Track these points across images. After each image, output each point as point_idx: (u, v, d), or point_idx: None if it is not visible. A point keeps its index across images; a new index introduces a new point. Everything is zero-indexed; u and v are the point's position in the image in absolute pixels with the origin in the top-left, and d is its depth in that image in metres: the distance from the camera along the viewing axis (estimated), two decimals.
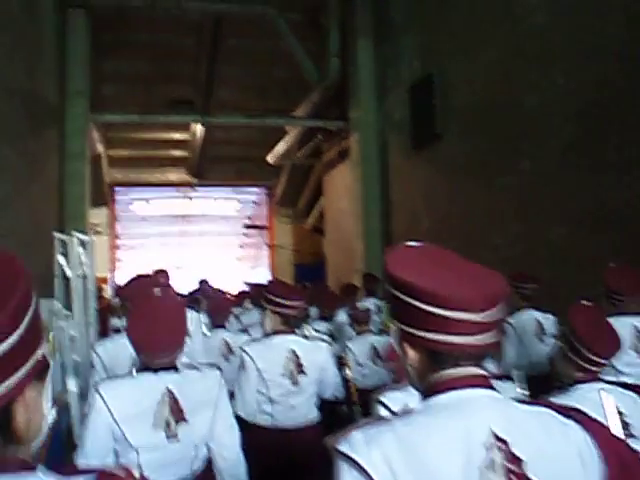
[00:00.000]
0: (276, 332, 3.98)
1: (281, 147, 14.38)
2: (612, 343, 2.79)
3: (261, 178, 18.15)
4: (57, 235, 9.02)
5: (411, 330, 1.44)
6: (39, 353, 1.16)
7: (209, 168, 17.05)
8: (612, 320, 3.06)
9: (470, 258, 1.50)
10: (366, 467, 1.30)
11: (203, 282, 8.97)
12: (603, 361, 2.73)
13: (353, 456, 1.32)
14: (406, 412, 1.46)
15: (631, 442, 1.64)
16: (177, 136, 16.00)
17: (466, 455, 1.33)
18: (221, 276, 16.79)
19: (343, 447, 1.35)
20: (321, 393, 4.16)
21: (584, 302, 2.97)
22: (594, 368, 2.74)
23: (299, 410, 3.96)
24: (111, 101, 13.38)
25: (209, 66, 13.32)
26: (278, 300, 3.93)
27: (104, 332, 8.46)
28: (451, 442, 1.34)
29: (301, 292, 4.54)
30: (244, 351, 3.95)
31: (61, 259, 8.95)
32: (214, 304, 6.11)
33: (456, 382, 1.42)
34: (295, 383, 3.93)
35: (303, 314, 4.65)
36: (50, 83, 9.37)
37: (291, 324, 4.03)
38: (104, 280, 12.06)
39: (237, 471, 2.92)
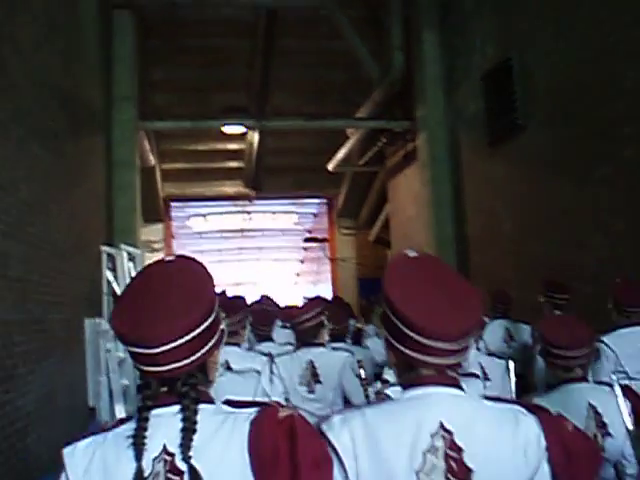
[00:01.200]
0: (300, 345, 4.51)
1: (342, 153, 13.54)
2: (575, 335, 2.99)
3: (320, 188, 17.33)
4: (105, 249, 8.33)
5: (393, 342, 1.68)
6: (221, 328, 1.65)
7: (266, 179, 16.30)
8: (626, 331, 4.19)
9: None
10: (335, 445, 1.58)
11: (264, 298, 8.19)
12: (570, 354, 2.93)
13: (328, 435, 1.60)
14: (380, 401, 1.93)
15: (608, 440, 2.75)
16: (232, 146, 15.31)
17: (414, 441, 1.57)
18: (281, 292, 16.05)
19: (323, 427, 1.63)
20: (348, 399, 4.42)
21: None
22: (568, 363, 2.97)
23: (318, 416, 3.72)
24: (162, 111, 12.76)
25: (263, 70, 12.59)
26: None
27: None
28: (403, 428, 1.59)
29: (310, 305, 4.64)
30: (273, 362, 4.29)
31: (109, 275, 8.26)
32: (255, 317, 5.74)
33: (425, 380, 1.66)
34: (311, 391, 4.37)
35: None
36: (93, 85, 8.72)
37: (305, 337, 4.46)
38: None
39: None
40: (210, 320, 1.57)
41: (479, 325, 2.02)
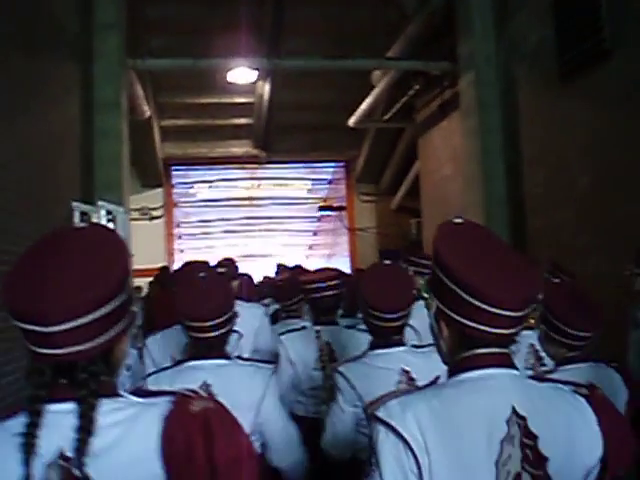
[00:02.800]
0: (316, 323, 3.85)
1: (366, 104, 11.77)
2: (591, 316, 2.69)
3: (338, 150, 15.62)
4: (77, 205, 6.66)
5: (449, 312, 1.53)
6: (132, 310, 1.44)
7: (278, 139, 14.56)
8: None
9: None
10: (402, 432, 1.43)
11: (280, 268, 6.71)
12: (585, 334, 2.67)
13: (390, 422, 1.44)
14: (433, 385, 1.61)
15: None
16: (240, 100, 13.54)
17: (490, 428, 1.44)
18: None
19: (381, 413, 1.47)
20: None
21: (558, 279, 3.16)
22: (578, 343, 2.69)
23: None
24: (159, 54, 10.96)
25: (275, 9, 10.72)
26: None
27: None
28: (477, 416, 1.45)
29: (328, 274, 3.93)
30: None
31: None
32: (278, 292, 4.99)
33: (482, 360, 1.52)
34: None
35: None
36: (66, 5, 6.97)
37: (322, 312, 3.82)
38: (152, 272, 9.64)
39: None
40: (120, 299, 1.37)
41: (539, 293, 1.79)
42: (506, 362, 1.52)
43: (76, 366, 1.32)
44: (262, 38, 11.29)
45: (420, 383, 2.52)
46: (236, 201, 18.05)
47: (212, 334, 2.59)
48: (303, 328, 3.98)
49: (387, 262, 3.14)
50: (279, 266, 7.12)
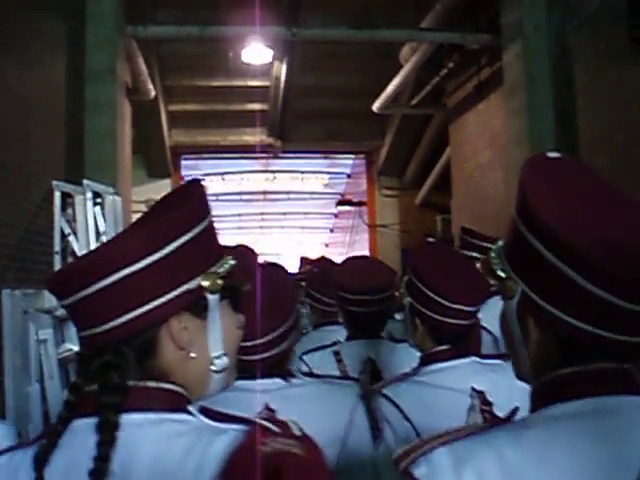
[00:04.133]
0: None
1: (393, 85, 10.68)
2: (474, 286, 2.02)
3: (359, 139, 14.50)
4: (58, 185, 5.63)
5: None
6: (192, 284, 1.06)
7: (294, 127, 13.50)
8: None
9: None
10: None
11: (304, 261, 5.81)
12: (468, 309, 2.04)
13: None
14: (510, 421, 1.08)
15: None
16: (254, 83, 12.50)
17: None
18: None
19: (421, 472, 0.96)
20: None
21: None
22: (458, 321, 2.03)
23: None
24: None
25: None
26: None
27: None
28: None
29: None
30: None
31: (63, 223, 5.57)
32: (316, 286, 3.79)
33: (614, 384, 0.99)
34: None
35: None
36: None
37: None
38: None
39: None
40: (176, 244, 1.03)
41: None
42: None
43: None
44: (279, 12, 10.23)
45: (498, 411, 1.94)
46: (249, 195, 17.19)
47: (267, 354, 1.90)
48: (334, 344, 2.99)
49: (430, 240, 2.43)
50: (303, 260, 6.12)
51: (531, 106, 7.46)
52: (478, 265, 2.50)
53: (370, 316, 2.88)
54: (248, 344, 1.82)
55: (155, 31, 8.13)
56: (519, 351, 1.10)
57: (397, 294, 4.73)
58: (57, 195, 5.35)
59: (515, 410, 1.13)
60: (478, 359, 2.12)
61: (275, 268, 2.28)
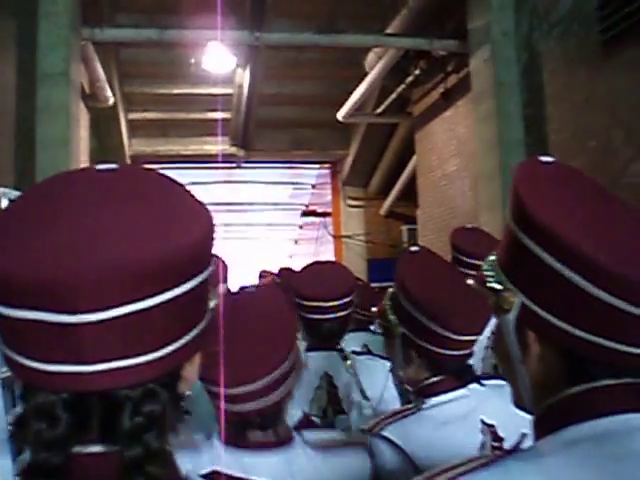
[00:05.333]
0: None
1: (358, 94, 10.51)
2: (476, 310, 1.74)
3: (323, 149, 14.37)
4: (4, 191, 5.32)
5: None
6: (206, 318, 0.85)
7: (258, 136, 13.28)
8: None
9: None
10: None
11: (263, 275, 5.57)
12: (473, 338, 1.79)
13: None
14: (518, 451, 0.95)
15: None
16: (216, 91, 12.22)
17: None
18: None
19: None
20: None
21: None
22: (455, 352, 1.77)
23: None
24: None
25: None
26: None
27: None
28: None
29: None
30: None
31: None
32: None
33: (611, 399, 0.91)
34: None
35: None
36: None
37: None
38: None
39: None
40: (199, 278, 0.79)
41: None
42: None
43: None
44: (242, 17, 9.99)
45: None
46: (212, 206, 16.74)
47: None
48: None
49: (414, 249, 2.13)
50: (263, 273, 5.89)
51: (500, 112, 7.32)
52: (470, 281, 2.24)
53: (327, 325, 2.61)
54: (240, 390, 1.42)
55: (112, 34, 7.83)
56: (518, 371, 1.00)
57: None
58: (4, 203, 5.03)
59: (523, 436, 1.01)
60: (478, 385, 1.87)
61: (268, 290, 2.01)
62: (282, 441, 1.47)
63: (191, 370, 0.85)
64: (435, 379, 1.82)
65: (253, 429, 1.44)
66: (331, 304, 2.60)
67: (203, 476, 1.47)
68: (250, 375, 1.42)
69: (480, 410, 1.75)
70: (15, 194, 5.12)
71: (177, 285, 0.76)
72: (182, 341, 0.79)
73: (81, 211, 0.78)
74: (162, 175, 0.90)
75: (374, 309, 3.92)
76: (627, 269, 0.86)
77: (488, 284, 1.01)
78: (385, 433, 1.74)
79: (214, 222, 0.84)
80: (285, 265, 6.05)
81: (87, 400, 0.74)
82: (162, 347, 0.76)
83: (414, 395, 1.88)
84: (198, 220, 0.81)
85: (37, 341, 0.71)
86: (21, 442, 0.75)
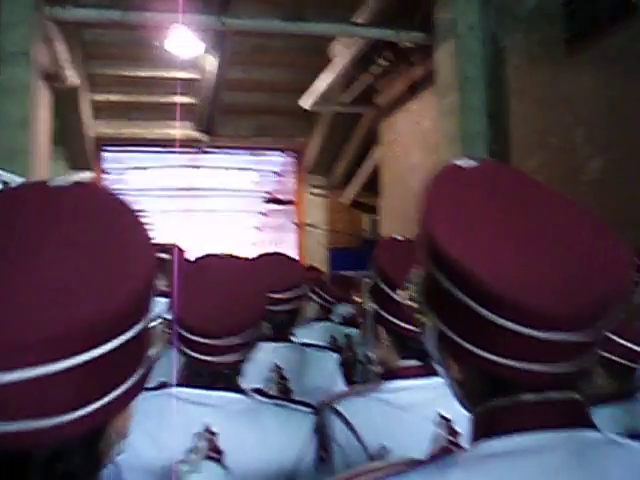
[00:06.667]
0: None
1: (324, 82, 10.48)
2: None
3: (287, 136, 14.33)
4: None
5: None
6: (141, 370, 0.80)
7: (223, 122, 13.20)
8: None
9: None
10: None
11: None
12: None
13: None
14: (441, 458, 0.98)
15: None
16: (182, 75, 12.12)
17: None
18: None
19: None
20: None
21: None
22: None
23: None
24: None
25: None
26: None
27: None
28: None
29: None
30: None
31: None
32: None
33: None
34: None
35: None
36: None
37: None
38: None
39: None
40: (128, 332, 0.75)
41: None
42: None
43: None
44: (208, 3, 9.93)
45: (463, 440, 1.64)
46: (174, 191, 16.76)
47: (222, 358, 1.64)
48: None
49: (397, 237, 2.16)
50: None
51: (463, 106, 7.37)
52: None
53: (278, 317, 2.65)
54: (210, 341, 1.61)
55: (75, 13, 7.68)
56: (449, 379, 1.03)
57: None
58: None
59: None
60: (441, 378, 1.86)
61: (245, 264, 2.14)
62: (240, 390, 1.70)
63: (122, 421, 0.82)
64: (404, 364, 1.83)
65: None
66: (282, 296, 2.62)
67: (154, 388, 1.60)
68: (235, 327, 1.62)
69: (439, 403, 1.73)
70: (8, 177, 5.07)
71: (107, 341, 0.72)
72: (110, 396, 0.75)
73: (23, 253, 0.75)
74: (115, 202, 0.86)
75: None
76: (525, 297, 0.82)
77: (409, 302, 1.03)
78: (338, 407, 1.77)
79: (155, 263, 0.80)
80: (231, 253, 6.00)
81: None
82: (83, 406, 0.72)
83: (379, 377, 1.90)
84: (138, 266, 0.77)
85: None
86: None
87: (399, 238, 1.98)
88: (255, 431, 1.66)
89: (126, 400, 0.79)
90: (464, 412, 1.66)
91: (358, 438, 1.72)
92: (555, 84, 6.18)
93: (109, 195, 0.87)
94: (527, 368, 0.87)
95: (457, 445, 1.69)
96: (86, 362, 0.70)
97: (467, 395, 1.00)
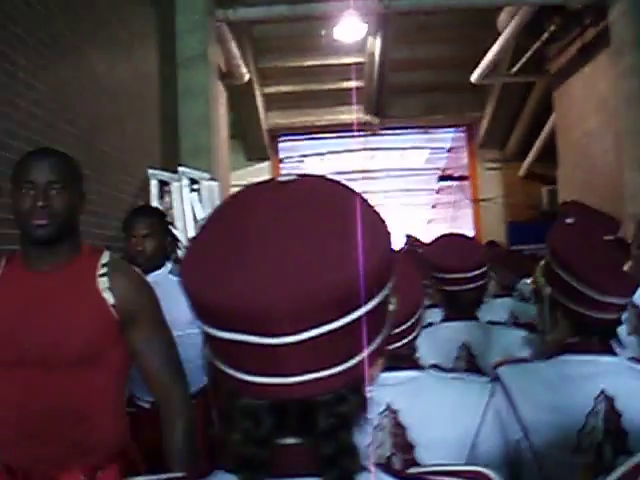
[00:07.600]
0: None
1: (491, 55, 10.28)
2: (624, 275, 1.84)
3: (458, 112, 14.13)
4: (153, 173, 5.64)
5: None
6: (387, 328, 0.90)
7: (392, 103, 13.28)
8: None
9: None
10: None
11: (410, 238, 5.64)
12: (620, 301, 1.76)
13: None
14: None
15: None
16: (348, 60, 12.30)
17: None
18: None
19: None
20: None
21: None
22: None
23: None
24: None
25: None
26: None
27: None
28: None
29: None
30: None
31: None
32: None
33: None
34: None
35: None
36: None
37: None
38: None
39: None
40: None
41: None
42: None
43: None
44: None
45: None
46: (348, 174, 17.03)
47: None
48: (429, 325, 2.79)
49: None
50: (409, 237, 5.95)
51: None
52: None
53: (465, 295, 2.71)
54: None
55: (245, 13, 8.04)
56: None
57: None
58: (153, 183, 5.36)
59: None
60: (629, 362, 1.81)
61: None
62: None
63: (375, 370, 0.91)
64: (574, 340, 1.82)
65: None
66: (470, 274, 2.67)
67: None
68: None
69: (602, 379, 1.72)
70: (161, 175, 5.45)
71: (363, 305, 0.81)
72: (367, 351, 0.85)
73: (268, 237, 0.84)
74: (340, 185, 0.92)
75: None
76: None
77: None
78: (500, 373, 1.80)
79: (389, 235, 0.87)
80: (410, 233, 6.09)
81: (287, 405, 0.83)
82: (349, 359, 0.83)
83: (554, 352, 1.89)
84: (378, 236, 0.85)
85: (245, 357, 0.82)
86: (228, 435, 0.85)
87: (570, 222, 2.04)
88: (434, 405, 1.72)
89: (380, 350, 0.89)
90: (630, 391, 1.63)
91: (515, 409, 1.74)
92: None
93: (332, 181, 0.93)
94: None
95: (617, 425, 1.68)
96: (353, 320, 0.80)
97: None
